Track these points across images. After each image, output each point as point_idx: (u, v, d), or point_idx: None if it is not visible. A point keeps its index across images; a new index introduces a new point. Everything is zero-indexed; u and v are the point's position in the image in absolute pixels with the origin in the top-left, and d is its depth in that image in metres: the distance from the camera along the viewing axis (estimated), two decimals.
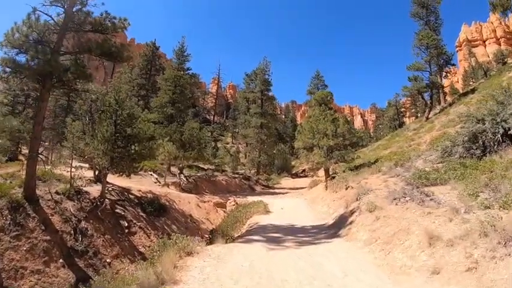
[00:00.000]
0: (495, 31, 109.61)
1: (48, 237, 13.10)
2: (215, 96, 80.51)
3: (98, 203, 17.02)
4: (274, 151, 48.36)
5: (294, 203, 22.04)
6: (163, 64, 52.07)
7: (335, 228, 11.29)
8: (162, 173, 28.73)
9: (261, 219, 14.84)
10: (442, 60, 40.48)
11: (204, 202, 23.85)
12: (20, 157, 29.48)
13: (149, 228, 18.29)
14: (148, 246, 17.05)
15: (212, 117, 77.99)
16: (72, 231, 14.46)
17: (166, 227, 19.46)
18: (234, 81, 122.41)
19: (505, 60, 48.37)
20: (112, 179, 21.28)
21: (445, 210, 8.09)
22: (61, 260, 12.99)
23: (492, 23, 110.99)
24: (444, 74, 41.93)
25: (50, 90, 16.36)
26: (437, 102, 42.10)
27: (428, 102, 41.28)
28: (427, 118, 37.81)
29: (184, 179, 28.42)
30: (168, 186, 26.49)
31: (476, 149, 13.68)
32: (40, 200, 14.43)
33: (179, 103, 34.63)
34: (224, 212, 23.31)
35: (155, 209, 19.89)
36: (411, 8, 42.59)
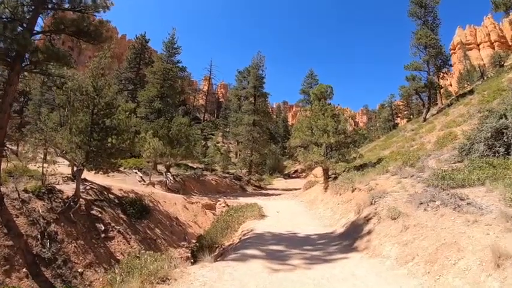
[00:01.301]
0: (489, 35, 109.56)
1: (10, 243, 11.24)
2: (206, 93, 78.32)
3: (71, 203, 15.06)
4: (266, 150, 46.43)
5: (290, 206, 20.27)
6: (153, 58, 49.82)
7: (348, 239, 9.35)
8: (148, 171, 26.78)
9: (255, 225, 12.87)
10: (440, 61, 39.67)
11: (192, 203, 21.94)
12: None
13: (129, 233, 16.43)
14: (128, 253, 15.22)
15: (203, 115, 75.85)
16: (39, 236, 12.65)
17: (148, 231, 17.62)
18: (225, 80, 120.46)
19: (502, 62, 47.51)
20: (92, 176, 19.53)
21: (494, 218, 6.42)
22: (24, 270, 11.20)
23: (487, 26, 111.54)
24: (442, 74, 40.88)
25: (19, 73, 14.66)
26: (432, 104, 40.98)
27: (426, 102, 40.17)
28: (425, 119, 37.06)
29: (171, 178, 26.43)
30: (153, 186, 24.63)
31: (500, 146, 12.18)
32: (5, 199, 12.54)
33: (168, 97, 32.67)
34: (213, 214, 21.45)
35: (137, 211, 18.07)
36: (409, 7, 41.43)
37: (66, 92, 19.03)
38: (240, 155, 45.97)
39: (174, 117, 30.65)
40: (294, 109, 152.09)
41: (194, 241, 17.38)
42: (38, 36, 15.63)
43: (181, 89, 40.68)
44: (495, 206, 7.19)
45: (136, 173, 26.93)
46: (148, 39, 51.12)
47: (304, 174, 52.31)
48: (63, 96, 20.36)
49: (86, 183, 18.52)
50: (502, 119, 12.76)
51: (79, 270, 12.74)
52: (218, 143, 66.77)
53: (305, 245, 9.16)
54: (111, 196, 18.67)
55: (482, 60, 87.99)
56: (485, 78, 44.83)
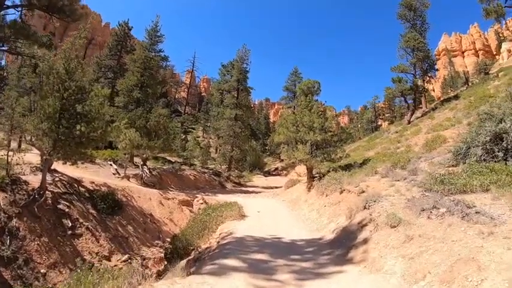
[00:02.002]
0: (474, 43, 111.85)
1: None
2: (188, 86, 76.41)
3: (36, 196, 13.75)
4: (247, 146, 45.07)
5: (271, 205, 19.26)
6: (135, 46, 47.78)
7: (341, 248, 8.27)
8: (124, 164, 25.44)
9: (235, 226, 11.69)
10: (427, 65, 40.21)
11: (168, 199, 20.74)
12: None
13: (99, 230, 15.19)
14: (96, 253, 14.05)
15: (184, 108, 73.93)
16: None
17: (120, 228, 16.40)
18: (212, 75, 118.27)
19: (488, 70, 48.17)
20: (64, 167, 18.31)
21: (511, 230, 5.59)
22: None
23: (472, 35, 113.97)
24: (427, 78, 41.23)
25: None
26: (416, 107, 41.09)
27: (411, 105, 40.25)
28: (410, 121, 37.27)
29: (148, 172, 25.08)
30: (128, 179, 23.36)
31: (499, 151, 11.53)
32: None
33: (148, 87, 30.96)
34: (190, 211, 20.31)
35: (109, 206, 16.86)
36: (399, 9, 41.70)
37: (39, 74, 17.66)
38: (220, 150, 44.50)
39: (153, 108, 29.18)
40: (276, 107, 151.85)
41: (169, 240, 16.27)
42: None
43: (163, 79, 38.85)
44: (507, 216, 6.42)
45: (111, 165, 25.58)
46: (131, 27, 49.12)
47: (284, 172, 51.74)
48: (36, 79, 18.91)
49: (56, 175, 17.26)
50: (501, 123, 12.14)
51: (42, 270, 11.59)
52: (198, 137, 65.42)
53: (292, 254, 8.04)
54: (82, 189, 17.45)
55: (466, 67, 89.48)
56: (469, 84, 45.49)
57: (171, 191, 24.14)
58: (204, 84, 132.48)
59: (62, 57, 15.13)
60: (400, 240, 6.68)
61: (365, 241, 7.54)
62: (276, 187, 32.62)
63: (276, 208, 18.05)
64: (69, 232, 13.91)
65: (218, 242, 9.64)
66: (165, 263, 12.49)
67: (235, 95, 42.43)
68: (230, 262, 7.13)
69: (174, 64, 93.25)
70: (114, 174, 24.25)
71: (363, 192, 11.25)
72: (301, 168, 24.56)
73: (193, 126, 72.15)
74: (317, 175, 19.95)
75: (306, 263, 7.33)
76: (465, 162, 12.43)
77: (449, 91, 62.37)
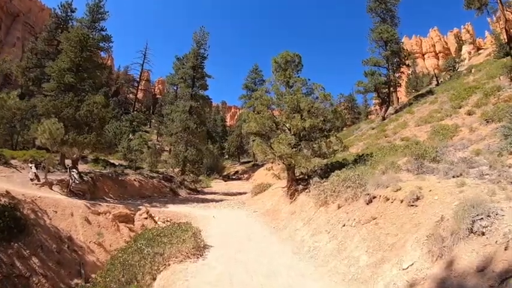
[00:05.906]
0: (434, 46, 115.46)
1: None
2: (139, 79, 68.97)
3: None
4: (204, 147, 38.76)
5: (242, 221, 13.93)
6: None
7: None
8: (48, 166, 19.59)
9: (187, 281, 6.44)
10: (398, 59, 38.10)
11: (99, 214, 15.06)
12: None
13: None
14: None
15: (138, 106, 66.50)
16: None
17: (18, 263, 10.77)
18: (164, 76, 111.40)
19: (457, 67, 48.54)
20: None
21: None
22: None
23: (432, 38, 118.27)
24: (399, 74, 39.65)
25: None
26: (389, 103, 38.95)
27: (386, 100, 37.95)
28: (384, 117, 35.54)
29: (76, 177, 19.07)
30: (50, 187, 17.83)
31: None
32: None
33: (84, 71, 24.70)
34: (130, 229, 14.85)
35: (4, 227, 11.18)
36: (369, 2, 39.53)
37: None
38: (173, 150, 37.79)
39: (87, 95, 22.95)
40: (232, 110, 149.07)
41: (94, 276, 10.81)
42: None
43: (103, 62, 32.04)
44: None
45: (31, 168, 19.53)
46: (75, 9, 42.14)
47: (245, 175, 47.98)
48: None
49: None
50: None
51: None
52: (150, 140, 58.80)
53: None
54: None
55: (427, 69, 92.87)
56: (439, 82, 46.50)
57: (106, 201, 18.30)
58: (159, 86, 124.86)
59: None
60: None
61: None
62: (240, 193, 28.01)
63: (250, 226, 12.76)
64: None
65: None
66: None
67: (190, 84, 36.28)
68: None
69: (129, 65, 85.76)
70: (32, 180, 18.31)
71: (418, 199, 6.55)
72: (277, 167, 19.47)
73: (147, 130, 65.48)
74: (301, 176, 15.26)
75: None
76: None
77: (413, 91, 62.01)
